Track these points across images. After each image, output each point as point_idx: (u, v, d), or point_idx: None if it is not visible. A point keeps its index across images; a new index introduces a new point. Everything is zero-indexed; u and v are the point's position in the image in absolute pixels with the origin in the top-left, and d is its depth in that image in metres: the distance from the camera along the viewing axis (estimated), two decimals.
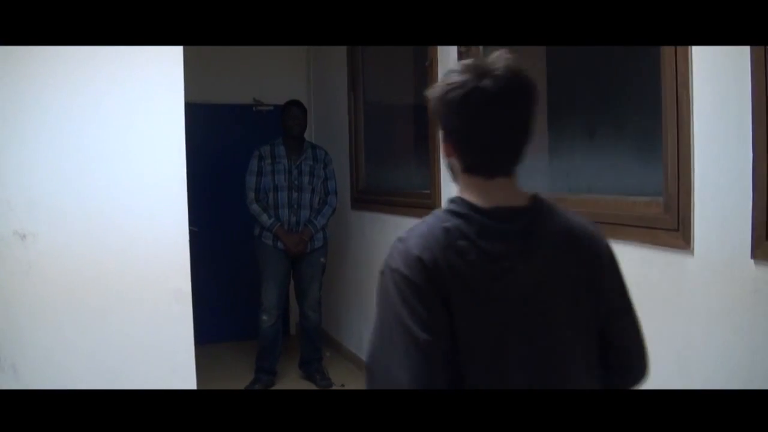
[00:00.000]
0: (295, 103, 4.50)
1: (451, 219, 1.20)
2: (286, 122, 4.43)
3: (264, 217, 4.27)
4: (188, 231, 2.61)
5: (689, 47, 1.93)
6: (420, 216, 3.08)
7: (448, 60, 3.35)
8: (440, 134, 1.28)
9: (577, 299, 1.24)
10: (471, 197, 1.23)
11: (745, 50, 1.73)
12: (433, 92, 1.23)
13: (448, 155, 1.28)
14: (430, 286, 1.15)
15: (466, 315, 1.16)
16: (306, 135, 4.61)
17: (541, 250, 1.21)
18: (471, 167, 1.24)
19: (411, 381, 1.13)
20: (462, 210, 1.21)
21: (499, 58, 1.20)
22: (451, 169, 1.30)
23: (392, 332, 1.16)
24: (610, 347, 1.30)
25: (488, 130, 1.20)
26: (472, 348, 1.17)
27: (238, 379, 4.41)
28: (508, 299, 1.19)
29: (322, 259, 4.50)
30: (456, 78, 1.19)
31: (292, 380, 4.57)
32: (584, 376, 1.25)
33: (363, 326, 4.78)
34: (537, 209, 1.24)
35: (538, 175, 3.01)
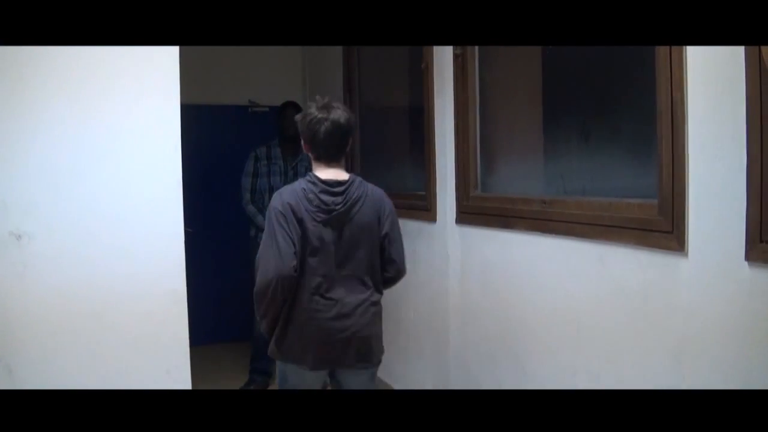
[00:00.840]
0: (291, 105, 4.48)
1: (306, 184, 2.38)
2: (282, 123, 4.42)
3: (259, 218, 4.27)
4: (184, 232, 2.61)
5: (684, 50, 1.94)
6: (416, 217, 3.23)
7: (443, 63, 3.36)
8: (302, 140, 2.46)
9: (368, 229, 2.43)
10: (319, 174, 2.40)
11: (740, 53, 1.74)
12: (298, 118, 2.43)
13: (306, 151, 2.47)
14: (292, 215, 2.32)
15: (308, 230, 2.33)
16: None
17: (350, 203, 2.38)
18: (317, 158, 2.44)
19: (278, 256, 2.28)
20: (312, 180, 2.38)
21: (335, 103, 2.41)
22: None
23: (270, 237, 2.32)
24: (384, 254, 2.49)
25: (322, 140, 2.37)
26: (308, 246, 2.34)
27: (232, 380, 4.40)
28: (330, 226, 2.36)
29: None
30: (310, 111, 2.39)
31: None
32: (367, 267, 2.45)
33: None
34: (351, 181, 2.42)
35: (533, 177, 3.03)
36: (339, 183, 2.40)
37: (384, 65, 4.61)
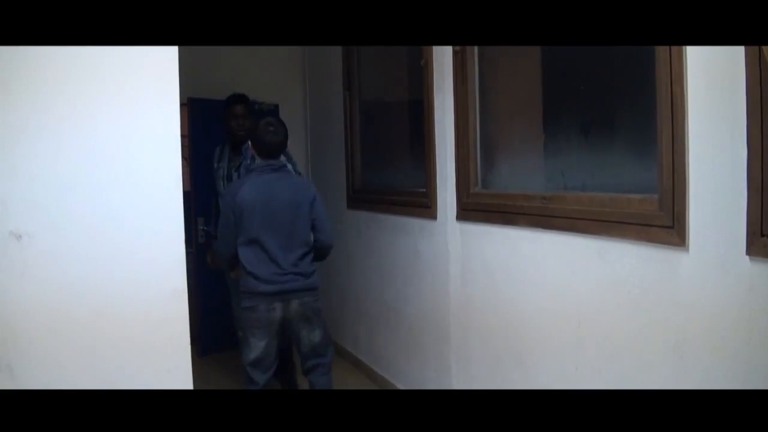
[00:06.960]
0: (238, 99, 4.03)
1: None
2: (229, 123, 4.03)
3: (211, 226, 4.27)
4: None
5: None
6: (417, 215, 3.23)
7: (443, 59, 3.36)
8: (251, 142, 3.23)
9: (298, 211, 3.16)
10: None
11: (740, 47, 1.73)
12: (255, 126, 3.23)
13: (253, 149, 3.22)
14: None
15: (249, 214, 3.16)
16: (301, 135, 4.56)
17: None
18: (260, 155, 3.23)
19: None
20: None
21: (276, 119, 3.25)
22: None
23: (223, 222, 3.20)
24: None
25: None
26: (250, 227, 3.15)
27: (234, 381, 4.42)
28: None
29: None
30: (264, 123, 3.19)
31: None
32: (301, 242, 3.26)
33: (359, 325, 4.78)
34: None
35: (533, 173, 3.02)
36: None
37: (384, 62, 4.61)
